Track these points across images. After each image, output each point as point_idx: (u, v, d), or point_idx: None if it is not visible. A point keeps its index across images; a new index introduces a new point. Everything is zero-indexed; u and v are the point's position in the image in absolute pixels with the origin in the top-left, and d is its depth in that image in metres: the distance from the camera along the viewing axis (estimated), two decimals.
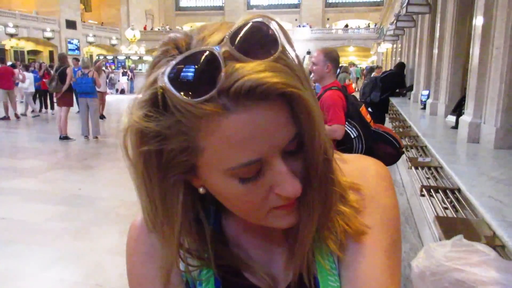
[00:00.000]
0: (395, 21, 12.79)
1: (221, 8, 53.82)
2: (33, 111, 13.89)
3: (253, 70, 0.41)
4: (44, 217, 4.57)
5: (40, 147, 8.84)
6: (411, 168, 3.95)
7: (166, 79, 0.42)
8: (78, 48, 38.84)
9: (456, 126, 5.24)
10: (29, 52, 37.03)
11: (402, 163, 5.29)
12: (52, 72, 10.33)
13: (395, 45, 19.93)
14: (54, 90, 9.30)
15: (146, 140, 0.45)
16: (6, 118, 12.56)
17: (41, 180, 6.14)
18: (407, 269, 2.28)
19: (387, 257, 0.54)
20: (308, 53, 32.75)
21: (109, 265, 3.39)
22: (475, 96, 4.57)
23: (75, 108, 10.27)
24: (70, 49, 37.27)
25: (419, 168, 3.82)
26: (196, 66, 0.42)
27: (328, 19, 52.12)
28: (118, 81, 24.18)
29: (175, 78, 0.42)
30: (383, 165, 0.61)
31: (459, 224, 2.40)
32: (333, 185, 0.52)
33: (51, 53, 37.80)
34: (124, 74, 24.88)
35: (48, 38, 36.58)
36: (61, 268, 3.43)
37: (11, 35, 33.23)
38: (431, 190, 3.10)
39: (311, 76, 3.51)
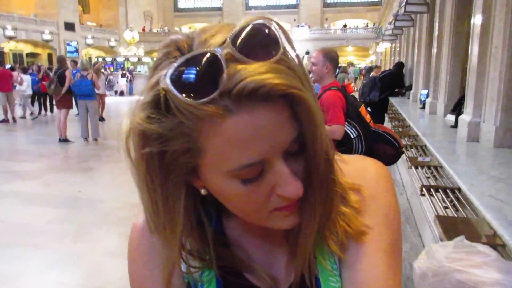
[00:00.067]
0: (393, 21, 12.80)
1: (219, 9, 53.86)
2: (31, 113, 13.88)
3: (255, 72, 0.41)
4: (44, 220, 4.57)
5: (39, 150, 8.84)
6: (411, 168, 3.96)
7: (168, 80, 0.42)
8: (76, 50, 38.83)
9: (455, 125, 5.25)
10: (27, 54, 37.04)
11: (402, 163, 5.29)
12: (51, 74, 10.32)
13: (393, 45, 19.95)
14: (53, 93, 9.29)
15: (148, 141, 0.45)
16: (6, 121, 12.57)
17: (41, 183, 6.14)
18: (407, 269, 2.28)
19: (388, 257, 0.54)
20: (307, 53, 32.78)
21: (109, 267, 3.39)
22: (474, 95, 4.58)
23: (74, 110, 10.27)
24: (68, 51, 37.27)
25: (419, 168, 3.82)
26: (198, 68, 0.42)
27: (326, 19, 52.18)
28: (117, 83, 24.18)
29: (177, 80, 0.42)
30: (383, 165, 0.61)
31: (459, 224, 2.40)
32: (334, 186, 0.52)
33: (49, 55, 37.82)
34: (123, 76, 24.87)
35: (47, 41, 36.59)
36: (61, 271, 3.43)
37: (10, 38, 33.25)
38: (431, 190, 3.11)
39: (310, 76, 3.51)
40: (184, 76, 0.42)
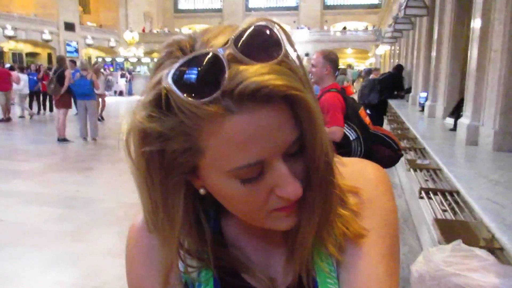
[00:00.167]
0: (393, 24, 12.83)
1: (219, 10, 53.88)
2: (29, 114, 13.85)
3: (257, 73, 0.41)
4: (42, 219, 4.56)
5: (38, 149, 8.83)
6: (409, 170, 3.96)
7: (170, 80, 0.42)
8: (76, 50, 38.80)
9: (454, 128, 5.26)
10: (27, 54, 36.99)
11: (401, 165, 5.29)
12: (50, 74, 10.31)
13: (393, 47, 19.99)
14: (52, 92, 9.28)
15: (148, 140, 0.45)
16: (4, 120, 12.55)
17: (39, 182, 6.13)
18: (406, 271, 2.28)
19: (386, 260, 0.54)
20: (307, 55, 32.82)
21: (107, 267, 3.38)
22: (473, 98, 4.59)
23: (73, 110, 10.26)
24: (68, 51, 37.22)
25: (418, 170, 3.83)
26: (200, 68, 0.42)
27: (326, 21, 52.19)
28: (117, 83, 24.16)
29: (179, 79, 0.42)
30: (382, 168, 0.61)
31: (458, 227, 2.40)
32: (333, 188, 0.52)
33: (49, 55, 37.76)
34: (122, 76, 24.86)
35: (47, 41, 36.54)
36: (59, 270, 3.43)
37: (10, 37, 33.19)
38: (430, 192, 3.11)
39: (310, 78, 3.51)
40: (186, 75, 0.42)
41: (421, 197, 3.15)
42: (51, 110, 14.64)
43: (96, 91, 9.56)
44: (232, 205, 0.51)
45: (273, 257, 0.59)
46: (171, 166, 0.47)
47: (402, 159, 3.93)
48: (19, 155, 8.34)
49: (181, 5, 57.52)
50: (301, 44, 40.35)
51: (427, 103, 7.85)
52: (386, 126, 7.62)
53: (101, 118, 12.35)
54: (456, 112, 5.61)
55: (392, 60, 19.92)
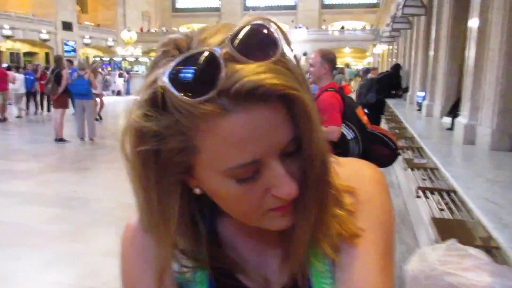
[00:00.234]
0: (391, 23, 12.85)
1: (217, 9, 53.83)
2: (24, 112, 13.76)
3: (253, 72, 0.41)
4: (40, 219, 4.56)
5: (35, 149, 8.81)
6: (407, 169, 3.97)
7: (166, 79, 0.42)
8: (74, 50, 38.70)
9: (451, 128, 5.27)
10: (25, 54, 36.88)
11: (398, 164, 5.30)
12: (48, 74, 10.29)
13: (391, 47, 20.02)
14: (50, 92, 9.26)
15: (144, 139, 0.45)
16: (1, 120, 12.51)
17: (37, 182, 6.12)
18: (403, 270, 2.29)
19: (381, 260, 0.54)
20: (305, 54, 32.82)
21: (105, 267, 3.37)
22: (470, 97, 4.59)
23: (71, 110, 10.24)
24: (66, 51, 37.13)
25: (415, 169, 3.83)
26: (196, 67, 0.42)
27: (324, 20, 52.23)
28: (114, 82, 24.12)
29: (175, 78, 0.42)
30: (378, 169, 0.61)
31: (455, 226, 2.41)
32: (329, 188, 0.52)
33: (47, 55, 37.66)
34: (120, 75, 24.82)
35: (44, 40, 36.44)
36: (57, 271, 3.42)
37: (7, 37, 33.09)
38: (427, 192, 3.12)
39: (308, 77, 3.51)
40: (182, 74, 0.42)
41: (418, 196, 3.16)
42: (48, 110, 14.61)
43: (93, 91, 9.54)
44: (227, 205, 0.51)
45: (268, 257, 0.59)
46: (167, 166, 0.47)
47: (400, 158, 3.95)
48: (16, 155, 8.32)
49: (179, 4, 57.44)
50: (299, 43, 40.33)
51: (425, 103, 7.86)
52: (383, 125, 7.63)
53: (100, 118, 12.34)
54: (453, 111, 5.62)
55: (390, 60, 19.94)
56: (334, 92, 3.11)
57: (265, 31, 0.45)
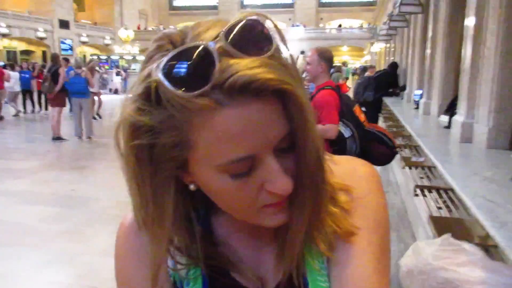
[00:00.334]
0: (388, 21, 12.86)
1: (215, 7, 53.75)
2: (15, 110, 13.68)
3: (247, 66, 0.41)
4: (37, 219, 4.54)
5: (32, 148, 8.78)
6: (404, 168, 3.97)
7: (159, 73, 0.42)
8: (71, 48, 38.56)
9: (449, 126, 5.28)
10: (21, 52, 36.70)
11: (396, 163, 5.32)
12: (45, 72, 10.25)
13: (388, 45, 20.02)
14: (47, 91, 9.24)
15: (138, 134, 0.45)
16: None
17: (34, 181, 6.10)
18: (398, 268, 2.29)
19: (377, 257, 0.54)
20: (302, 52, 32.78)
21: (102, 267, 3.37)
22: (467, 96, 4.61)
23: (67, 108, 10.21)
24: (63, 49, 36.98)
25: (413, 168, 3.84)
26: (190, 61, 0.42)
27: (321, 18, 52.21)
28: (112, 81, 24.06)
29: (169, 72, 0.42)
30: (373, 167, 0.62)
31: (452, 224, 2.41)
32: (324, 184, 0.52)
33: (44, 53, 37.51)
34: (117, 74, 24.76)
35: (41, 38, 36.28)
36: (54, 270, 3.42)
37: (4, 35, 32.94)
38: (425, 190, 3.12)
39: (305, 75, 3.51)
40: (176, 68, 0.42)
41: (416, 195, 3.16)
42: (46, 108, 14.55)
43: (91, 89, 9.51)
44: (222, 201, 0.51)
45: (263, 255, 0.59)
46: (161, 161, 0.46)
47: (397, 156, 3.95)
48: (13, 154, 8.29)
49: (176, 2, 57.32)
50: (297, 41, 40.30)
51: (422, 101, 7.88)
52: (381, 124, 7.63)
53: (99, 117, 12.31)
54: (450, 109, 5.63)
55: (387, 58, 19.95)
56: (331, 90, 3.11)
57: (260, 26, 0.45)
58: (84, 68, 9.23)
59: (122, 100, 0.47)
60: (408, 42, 11.57)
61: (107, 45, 44.05)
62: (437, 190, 3.08)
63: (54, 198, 5.32)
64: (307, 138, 0.46)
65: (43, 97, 14.32)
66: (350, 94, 8.05)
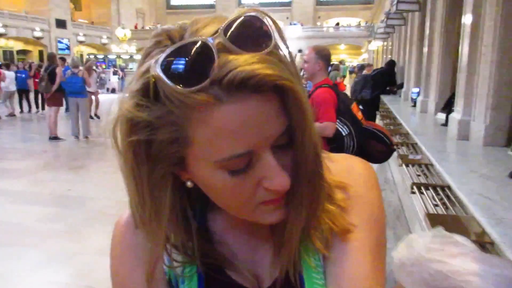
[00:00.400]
0: (385, 19, 12.87)
1: (212, 6, 53.68)
2: (8, 111, 13.60)
3: (246, 62, 0.41)
4: (34, 218, 4.53)
5: (29, 148, 8.77)
6: (402, 166, 3.98)
7: (158, 68, 0.41)
8: (68, 48, 38.51)
9: (446, 124, 5.29)
10: (18, 52, 36.64)
11: (393, 161, 5.33)
12: (41, 71, 10.22)
13: (385, 43, 20.06)
14: (44, 90, 9.21)
15: (136, 129, 0.44)
16: None
17: (31, 181, 6.09)
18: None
19: (372, 255, 0.54)
20: (300, 51, 32.81)
21: (99, 266, 3.36)
22: (464, 93, 4.61)
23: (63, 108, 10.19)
24: (60, 49, 36.96)
25: (410, 166, 3.84)
26: (189, 57, 0.42)
27: (319, 17, 52.26)
28: (109, 80, 24.03)
29: (168, 68, 0.41)
30: (369, 165, 0.61)
31: (449, 221, 2.42)
32: (322, 180, 0.51)
33: (41, 52, 37.43)
34: (114, 73, 24.73)
35: (38, 38, 36.23)
36: (51, 270, 3.41)
37: (0, 35, 32.88)
38: (422, 187, 3.13)
39: (303, 74, 3.51)
40: (174, 64, 0.41)
41: (413, 192, 3.17)
42: (43, 108, 14.52)
43: (88, 89, 9.49)
44: (219, 198, 0.50)
45: (259, 252, 0.59)
46: (158, 157, 0.46)
47: (395, 154, 3.96)
48: (10, 153, 8.27)
49: (174, 1, 57.29)
50: (294, 40, 40.31)
51: (419, 99, 7.89)
52: (378, 122, 7.64)
53: (97, 117, 12.27)
54: (447, 107, 5.64)
55: (385, 56, 19.98)
56: (328, 88, 3.11)
57: (258, 23, 0.45)
58: (81, 68, 9.21)
59: (119, 97, 0.46)
60: (405, 40, 11.59)
61: (104, 44, 44.01)
62: (434, 187, 3.08)
63: (51, 198, 5.31)
64: (305, 134, 0.46)
65: (40, 96, 14.30)
66: (348, 92, 8.05)
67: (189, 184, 0.51)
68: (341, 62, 31.32)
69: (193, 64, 0.41)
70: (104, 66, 27.78)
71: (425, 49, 7.85)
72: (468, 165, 3.46)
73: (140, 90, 0.44)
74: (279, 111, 0.44)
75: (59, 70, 8.98)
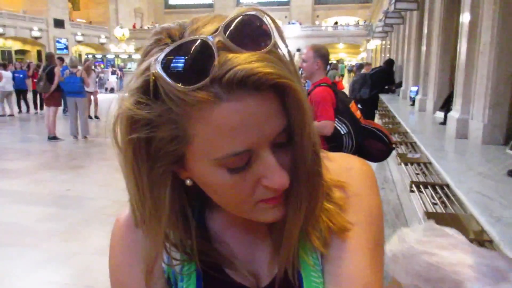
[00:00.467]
0: (383, 18, 12.87)
1: (210, 5, 53.64)
2: (2, 112, 13.49)
3: (246, 60, 0.41)
4: (33, 218, 4.53)
5: (28, 148, 8.76)
6: (400, 164, 3.98)
7: (158, 66, 0.42)
8: (66, 47, 38.43)
9: (444, 122, 5.29)
10: (16, 51, 36.54)
11: (392, 159, 5.33)
12: (40, 71, 10.20)
13: (384, 42, 20.05)
14: (42, 90, 9.20)
15: (136, 127, 0.45)
16: None
17: (30, 181, 6.08)
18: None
19: (370, 253, 0.54)
20: (298, 50, 32.79)
21: (98, 266, 3.36)
22: (462, 92, 4.61)
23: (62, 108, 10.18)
24: (58, 48, 36.89)
25: (409, 164, 3.84)
26: (189, 55, 0.42)
27: (317, 16, 52.23)
28: (108, 80, 24.01)
29: (168, 66, 0.42)
30: (368, 164, 0.62)
31: (448, 219, 2.42)
32: (320, 179, 0.52)
33: (39, 52, 37.36)
34: (113, 73, 24.70)
35: (36, 37, 36.14)
36: (50, 270, 3.41)
37: None
38: (421, 186, 3.13)
39: (301, 73, 3.51)
40: (174, 62, 0.42)
41: (412, 191, 3.17)
42: (41, 108, 14.49)
43: (87, 89, 9.48)
44: (218, 196, 0.50)
45: (258, 251, 0.59)
46: (158, 155, 0.46)
47: (394, 153, 3.96)
48: (8, 153, 8.26)
49: (172, 1, 57.21)
50: (293, 39, 40.28)
51: (418, 97, 7.89)
52: (377, 121, 7.65)
53: (97, 118, 12.23)
54: (446, 106, 5.64)
55: (383, 55, 19.97)
56: (327, 87, 3.12)
57: (258, 22, 0.45)
58: (79, 67, 9.20)
59: (119, 95, 0.46)
60: (403, 39, 11.58)
61: (102, 44, 43.94)
62: (433, 186, 3.08)
63: (50, 198, 5.31)
64: (304, 132, 0.46)
65: (38, 96, 14.27)
66: (346, 91, 8.05)
67: (188, 182, 0.51)
68: (340, 61, 31.33)
69: (193, 62, 0.42)
70: (102, 66, 27.74)
71: (423, 48, 7.85)
72: (467, 164, 3.47)
73: (140, 88, 0.44)
74: (278, 110, 0.45)
75: (57, 70, 8.97)
